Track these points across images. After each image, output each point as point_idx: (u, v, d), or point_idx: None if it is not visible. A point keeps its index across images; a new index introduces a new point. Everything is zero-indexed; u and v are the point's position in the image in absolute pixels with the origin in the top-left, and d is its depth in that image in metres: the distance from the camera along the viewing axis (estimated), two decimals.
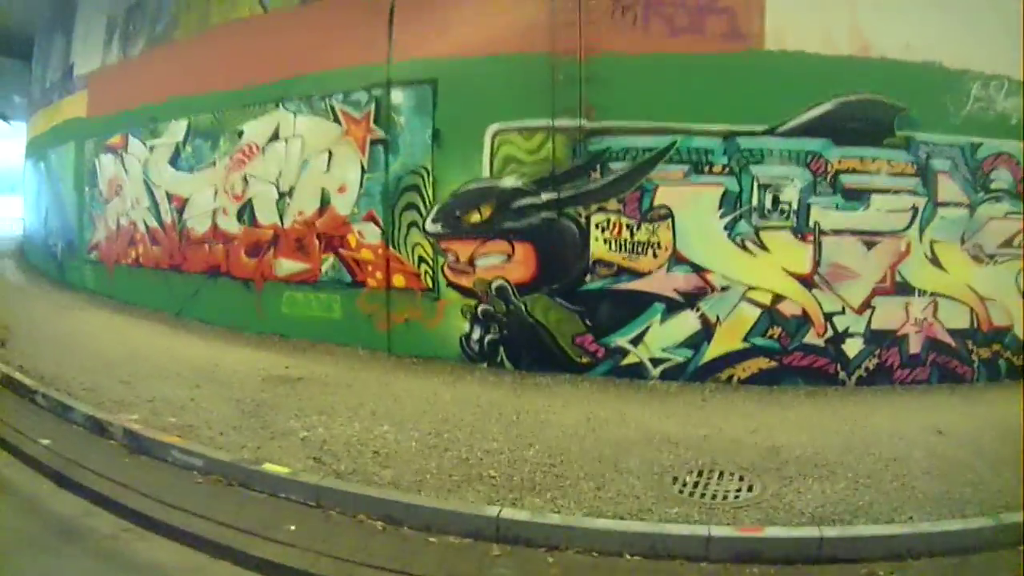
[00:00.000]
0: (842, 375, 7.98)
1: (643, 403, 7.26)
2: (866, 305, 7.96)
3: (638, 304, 7.94)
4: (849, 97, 7.79)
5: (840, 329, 7.93)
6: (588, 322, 7.91)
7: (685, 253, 7.82)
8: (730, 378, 7.90)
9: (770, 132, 7.78)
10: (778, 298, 7.90)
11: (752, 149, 7.82)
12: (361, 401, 6.99)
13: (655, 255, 7.77)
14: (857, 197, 7.89)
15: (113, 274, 12.23)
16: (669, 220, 7.76)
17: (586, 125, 7.86)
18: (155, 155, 11.16)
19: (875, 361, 8.03)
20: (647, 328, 7.93)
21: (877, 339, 7.96)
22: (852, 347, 7.96)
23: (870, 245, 7.97)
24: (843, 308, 7.93)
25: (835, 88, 7.73)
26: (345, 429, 6.16)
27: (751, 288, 7.88)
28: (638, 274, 7.86)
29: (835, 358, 7.94)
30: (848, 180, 7.87)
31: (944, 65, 7.79)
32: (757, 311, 7.89)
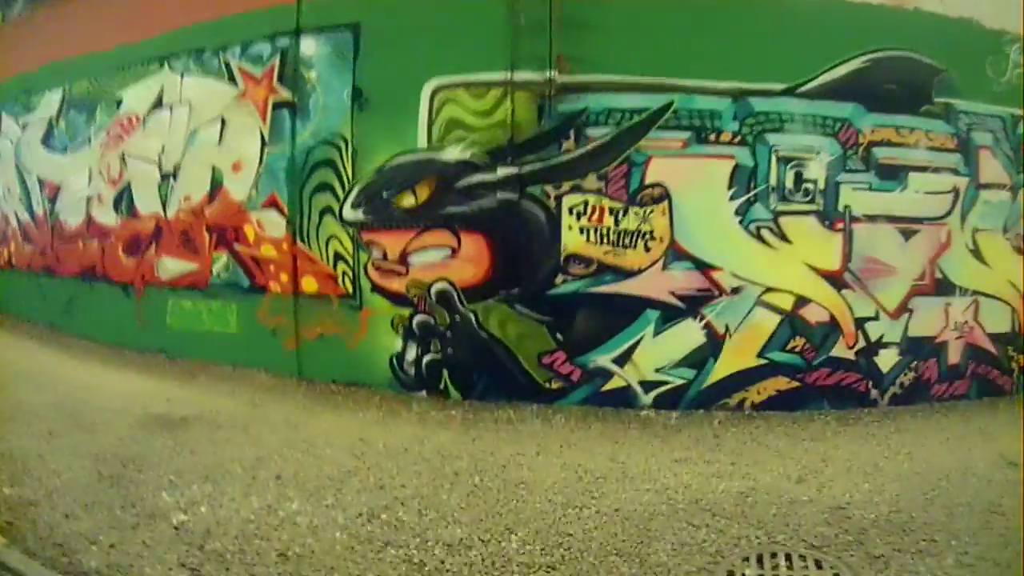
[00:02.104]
0: (874, 393, 5.41)
1: (640, 443, 4.60)
2: (903, 308, 5.44)
3: (625, 312, 5.20)
4: (882, 53, 5.24)
5: (873, 338, 5.38)
6: (559, 336, 5.18)
7: (686, 245, 5.15)
8: (741, 403, 5.25)
9: (789, 92, 5.15)
10: (801, 301, 5.26)
11: (768, 113, 5.16)
12: (263, 455, 4.21)
13: (647, 248, 5.03)
14: (893, 175, 5.34)
15: None
16: (665, 203, 5.01)
17: (557, 79, 5.07)
18: (27, 134, 7.69)
19: (911, 375, 5.50)
20: (637, 342, 5.21)
21: (914, 348, 5.45)
22: (886, 359, 5.43)
23: (908, 235, 5.42)
24: (877, 312, 5.37)
25: (865, 41, 5.19)
26: (238, 508, 3.47)
27: (769, 289, 5.23)
28: (625, 273, 5.16)
29: (867, 373, 5.38)
30: (882, 154, 5.31)
31: (982, 24, 5.45)
32: (776, 318, 5.23)
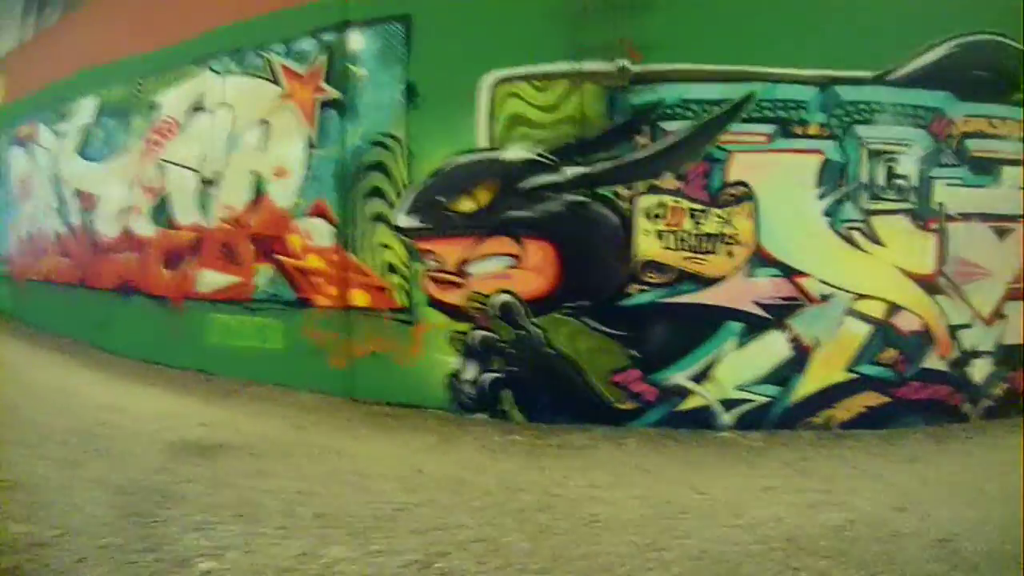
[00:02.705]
0: (966, 407, 4.69)
1: (723, 469, 3.90)
2: (997, 314, 4.71)
3: (705, 324, 4.51)
4: (970, 38, 4.54)
5: (967, 347, 4.67)
6: (633, 352, 4.50)
7: (771, 250, 4.46)
8: (828, 421, 4.52)
9: (879, 80, 4.46)
10: (894, 309, 4.55)
11: (857, 103, 4.47)
12: (304, 488, 3.52)
13: (730, 254, 4.41)
14: (986, 169, 4.64)
15: (24, 292, 7.88)
16: (749, 203, 4.40)
17: (629, 69, 4.36)
18: (63, 143, 6.97)
19: (1004, 387, 4.76)
20: (718, 357, 4.52)
21: (1008, 358, 4.73)
22: (979, 370, 4.71)
23: (1001, 233, 4.71)
24: (971, 319, 4.66)
25: (952, 25, 4.50)
26: (275, 553, 2.77)
27: (859, 297, 4.52)
28: (706, 281, 4.46)
29: (959, 386, 4.66)
30: (975, 146, 4.62)
31: None
32: (866, 328, 4.53)
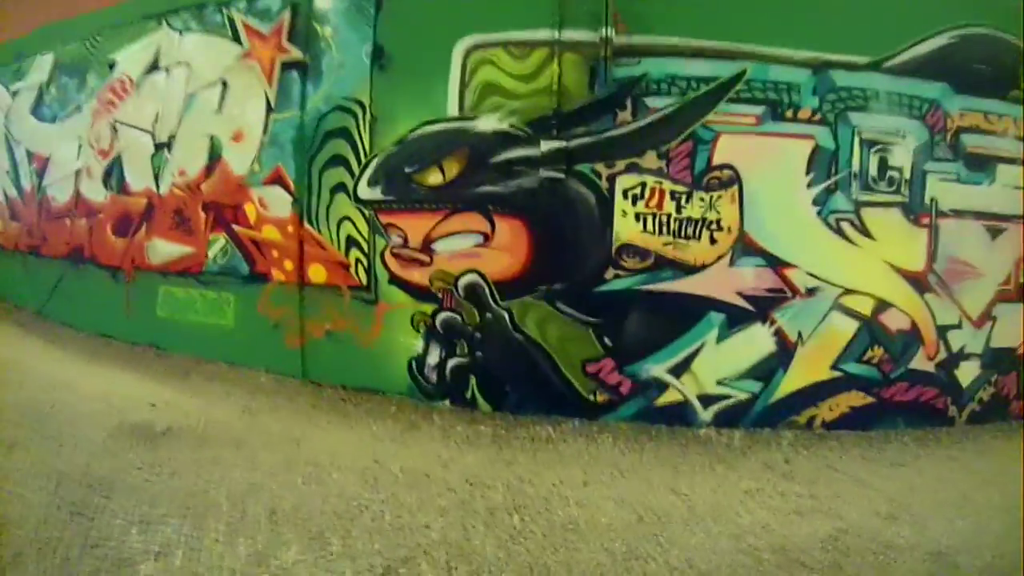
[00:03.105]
0: (952, 410, 4.34)
1: (703, 469, 3.57)
2: (986, 315, 4.36)
3: (686, 314, 4.10)
4: (969, 30, 4.17)
5: (954, 348, 4.31)
6: (608, 341, 4.07)
7: (757, 238, 4.06)
8: (811, 420, 4.16)
9: (874, 67, 4.08)
10: (882, 306, 4.18)
11: (852, 89, 4.09)
12: (256, 481, 3.15)
13: (713, 240, 3.97)
14: (980, 166, 4.27)
15: None
16: (735, 188, 3.95)
17: (613, 39, 3.91)
18: (17, 102, 6.31)
19: (990, 391, 4.43)
20: (697, 350, 4.10)
21: (996, 361, 4.39)
22: (967, 373, 4.35)
23: (994, 233, 4.35)
24: (960, 320, 4.30)
25: (951, 15, 4.14)
26: (222, 554, 2.45)
27: (847, 291, 4.14)
28: (687, 268, 4.04)
29: (946, 388, 4.31)
30: (971, 142, 4.24)
31: None
32: (854, 325, 4.16)
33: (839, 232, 4.02)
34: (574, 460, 3.60)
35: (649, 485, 3.32)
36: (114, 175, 5.54)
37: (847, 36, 4.00)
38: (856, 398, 4.15)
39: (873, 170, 4.05)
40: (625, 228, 3.91)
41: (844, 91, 4.00)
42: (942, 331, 4.24)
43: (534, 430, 3.98)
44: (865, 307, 4.11)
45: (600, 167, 3.91)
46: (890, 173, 4.09)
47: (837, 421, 4.14)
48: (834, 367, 4.12)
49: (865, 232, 4.05)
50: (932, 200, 4.17)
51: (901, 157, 4.10)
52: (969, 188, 4.22)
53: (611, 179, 3.91)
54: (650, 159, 3.89)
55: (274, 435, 3.76)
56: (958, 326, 4.27)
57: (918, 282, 4.17)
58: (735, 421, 4.08)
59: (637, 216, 3.89)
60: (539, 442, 3.86)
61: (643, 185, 3.89)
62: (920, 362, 4.22)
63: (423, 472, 3.27)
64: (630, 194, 3.90)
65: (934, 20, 4.08)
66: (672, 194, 3.89)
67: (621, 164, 3.90)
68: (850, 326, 4.10)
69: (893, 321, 4.15)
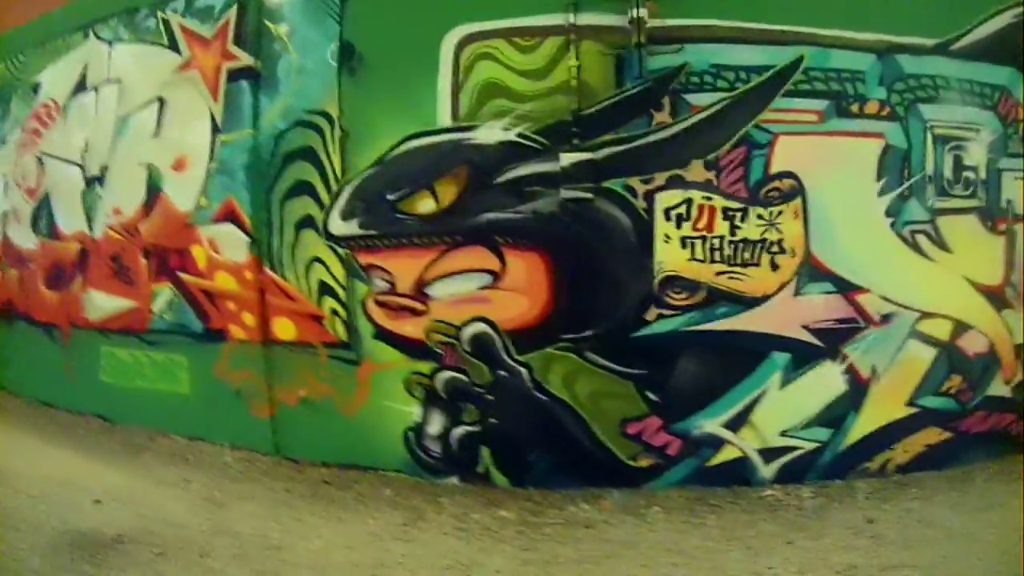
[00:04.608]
0: None
1: (780, 543, 2.49)
2: None
3: (744, 356, 2.97)
4: None
5: None
6: (652, 395, 2.85)
7: (825, 260, 2.94)
8: (884, 465, 3.07)
9: (941, 49, 3.00)
10: (960, 328, 3.10)
11: (920, 76, 2.99)
12: None
13: (774, 266, 2.74)
14: None
15: None
16: (798, 200, 2.70)
17: (645, 22, 2.54)
18: None
19: None
20: (759, 397, 2.97)
21: None
22: None
23: None
24: None
25: None
26: None
27: (924, 315, 3.04)
28: (745, 301, 2.89)
29: (1022, 412, 3.21)
30: None
31: None
32: (932, 353, 3.06)
33: (915, 247, 2.91)
34: (627, 550, 2.51)
35: (726, 574, 2.29)
36: (43, 217, 4.04)
37: (910, 14, 2.97)
38: (933, 435, 3.11)
39: (948, 171, 2.94)
40: (669, 256, 2.74)
41: (913, 79, 2.98)
42: (1019, 350, 3.22)
43: (569, 511, 2.84)
44: (943, 331, 3.07)
45: (635, 182, 2.73)
46: (965, 174, 2.95)
47: (912, 462, 3.09)
48: (911, 403, 3.06)
49: (942, 245, 3.01)
50: (1008, 203, 3.13)
51: (976, 154, 3.10)
52: None
53: (649, 197, 2.77)
54: (696, 170, 2.72)
55: (246, 539, 2.62)
56: None
57: (995, 297, 3.15)
58: (801, 475, 3.00)
59: (683, 241, 2.72)
60: (577, 527, 2.72)
61: (689, 202, 2.70)
62: (997, 387, 3.20)
63: None
64: (673, 214, 2.72)
65: None
66: (725, 212, 2.71)
67: (661, 178, 2.73)
68: (928, 355, 3.05)
69: (972, 344, 3.12)
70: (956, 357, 3.07)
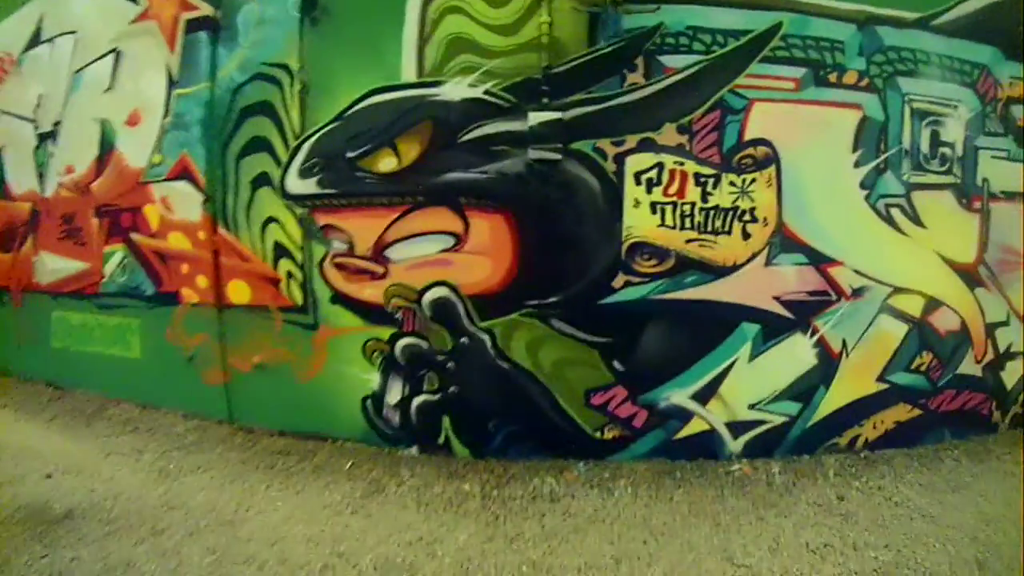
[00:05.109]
0: (996, 416, 3.18)
1: (751, 520, 2.35)
2: None
3: (714, 327, 2.78)
4: None
5: (1002, 348, 3.16)
6: (619, 365, 2.70)
7: (798, 230, 2.76)
8: (853, 441, 2.93)
9: (924, 24, 2.86)
10: (933, 304, 2.97)
11: (900, 49, 2.84)
12: None
13: (746, 234, 2.65)
14: None
15: None
16: (772, 168, 2.57)
17: None
18: None
19: None
20: (727, 369, 2.79)
21: None
22: (1011, 374, 3.22)
23: None
24: (1007, 316, 3.15)
25: None
26: None
27: (897, 290, 2.91)
28: (715, 270, 2.71)
29: (992, 392, 3.15)
30: (1020, 115, 3.05)
31: None
32: (903, 328, 2.93)
33: (889, 220, 2.77)
34: (594, 525, 2.36)
35: (696, 552, 2.16)
36: None
37: None
38: (902, 412, 2.98)
39: (925, 146, 2.78)
40: (639, 222, 2.52)
41: (893, 52, 2.83)
42: (990, 329, 3.11)
43: (533, 484, 2.66)
44: (915, 307, 2.94)
45: (605, 144, 2.50)
46: (942, 150, 2.78)
47: (881, 439, 2.96)
48: (881, 378, 2.93)
49: (916, 220, 2.87)
50: (984, 181, 3.01)
51: (953, 131, 2.97)
52: (1019, 167, 3.08)
53: (619, 159, 2.55)
54: (669, 133, 2.52)
55: (200, 513, 2.43)
56: (1006, 323, 3.15)
57: (968, 275, 3.03)
58: (769, 450, 2.85)
59: (653, 206, 2.52)
60: (542, 501, 2.55)
61: (660, 166, 2.48)
62: (968, 365, 3.09)
63: (404, 566, 1.83)
64: (644, 178, 2.50)
65: None
66: (697, 178, 2.50)
67: (632, 140, 2.50)
68: (899, 330, 2.92)
69: (943, 321, 3.00)
70: (928, 334, 2.95)
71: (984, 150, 3.03)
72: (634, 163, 2.59)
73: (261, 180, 2.84)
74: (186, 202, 3.00)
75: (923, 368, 2.97)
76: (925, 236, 2.91)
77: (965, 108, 2.93)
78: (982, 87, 2.97)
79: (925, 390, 2.99)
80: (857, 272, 2.81)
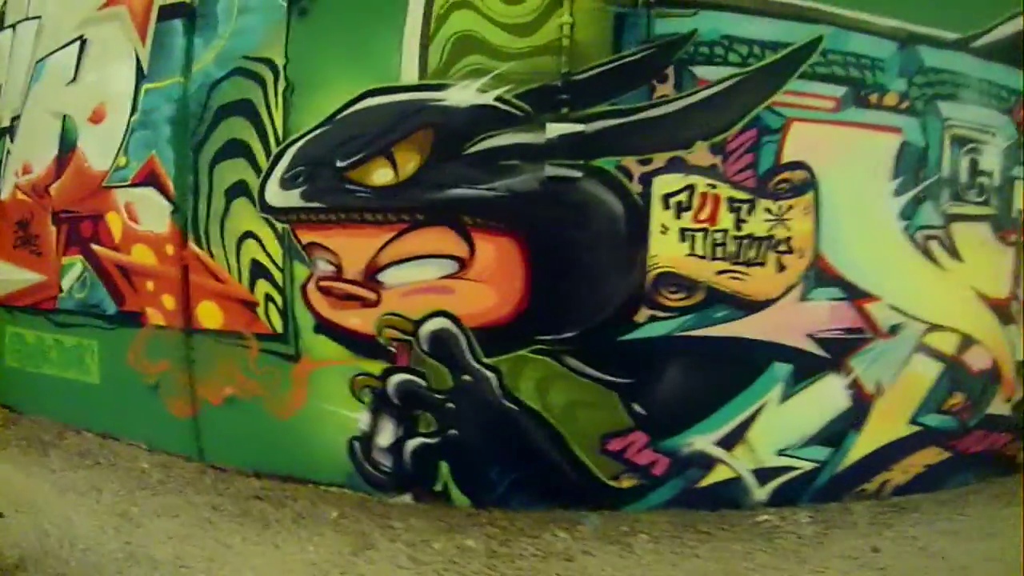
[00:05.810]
0: (1020, 457, 2.79)
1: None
2: None
3: (743, 366, 2.35)
4: None
5: None
6: (639, 408, 2.13)
7: (834, 263, 2.33)
8: (881, 487, 2.53)
9: (962, 45, 2.45)
10: (966, 342, 2.58)
11: (941, 71, 2.43)
12: None
13: (781, 266, 2.14)
14: None
15: None
16: (810, 195, 1.95)
17: None
18: None
19: None
20: (756, 413, 2.36)
21: None
22: None
23: None
24: None
25: None
26: None
27: (932, 328, 2.50)
28: (746, 304, 2.28)
29: (1017, 432, 2.78)
30: None
31: None
32: (937, 368, 2.53)
33: (927, 253, 2.42)
34: None
35: None
36: None
37: (932, 4, 2.44)
38: (932, 455, 2.65)
39: (963, 175, 2.33)
40: (665, 250, 2.14)
41: (933, 73, 2.49)
42: (1020, 367, 2.79)
43: (543, 540, 2.27)
44: (950, 345, 2.61)
45: (630, 162, 2.06)
46: (980, 179, 2.43)
47: (909, 484, 2.64)
48: (912, 421, 2.59)
49: (954, 253, 2.49)
50: (1019, 213, 2.64)
51: (991, 160, 2.62)
52: None
53: (645, 180, 2.15)
54: (701, 153, 2.10)
55: (164, 568, 2.04)
56: None
57: (1001, 311, 2.71)
58: (795, 498, 2.50)
59: (682, 233, 2.11)
60: (555, 559, 2.16)
61: (691, 189, 2.09)
62: (997, 405, 2.77)
63: None
64: (672, 202, 2.09)
65: None
66: (731, 202, 2.05)
67: (660, 159, 2.07)
68: (932, 370, 2.58)
69: (976, 360, 2.67)
70: (960, 373, 2.62)
71: (1020, 180, 2.66)
72: (662, 184, 2.17)
73: (238, 189, 2.35)
74: (152, 211, 2.50)
75: (954, 409, 2.65)
76: (961, 270, 2.59)
77: (1002, 136, 2.62)
78: (1017, 114, 2.63)
79: (955, 431, 2.66)
80: (893, 308, 2.42)
